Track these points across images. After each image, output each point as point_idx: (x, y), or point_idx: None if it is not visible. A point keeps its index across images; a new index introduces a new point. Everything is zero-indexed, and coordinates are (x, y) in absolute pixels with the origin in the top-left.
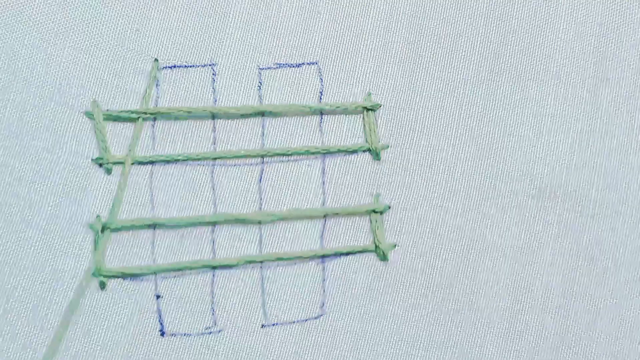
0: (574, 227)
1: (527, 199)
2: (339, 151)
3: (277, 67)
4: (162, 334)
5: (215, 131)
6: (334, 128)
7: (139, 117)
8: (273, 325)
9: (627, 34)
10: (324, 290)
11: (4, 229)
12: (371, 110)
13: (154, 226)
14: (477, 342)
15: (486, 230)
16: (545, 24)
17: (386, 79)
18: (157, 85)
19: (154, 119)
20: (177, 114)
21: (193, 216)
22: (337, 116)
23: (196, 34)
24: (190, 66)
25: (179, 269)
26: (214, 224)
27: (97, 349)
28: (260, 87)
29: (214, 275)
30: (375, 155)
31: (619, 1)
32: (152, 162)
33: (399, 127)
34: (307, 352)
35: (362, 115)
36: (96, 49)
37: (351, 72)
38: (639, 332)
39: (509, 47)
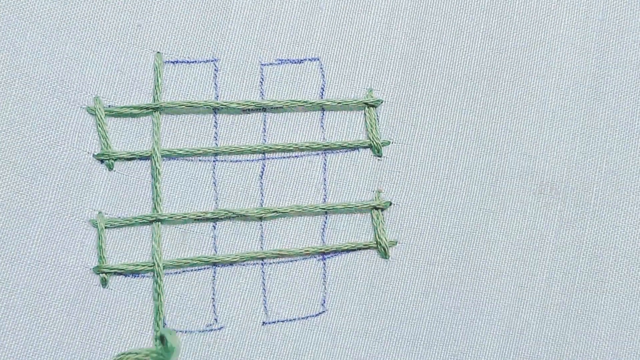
0: (575, 223)
1: (528, 195)
2: (340, 147)
3: (278, 63)
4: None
5: (217, 127)
6: (336, 124)
7: (155, 111)
8: (274, 322)
9: (628, 30)
10: (324, 287)
11: (6, 225)
12: (372, 106)
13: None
14: (478, 339)
15: (487, 227)
16: (546, 20)
17: (388, 75)
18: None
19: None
20: (179, 109)
21: (194, 212)
22: (338, 112)
23: (198, 30)
24: (193, 62)
25: (180, 266)
26: (215, 220)
27: (98, 345)
28: (262, 82)
29: (215, 272)
30: (377, 151)
31: None
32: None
33: (400, 124)
34: (307, 350)
35: (363, 111)
36: (98, 44)
37: (353, 68)
38: (639, 329)
39: (510, 43)
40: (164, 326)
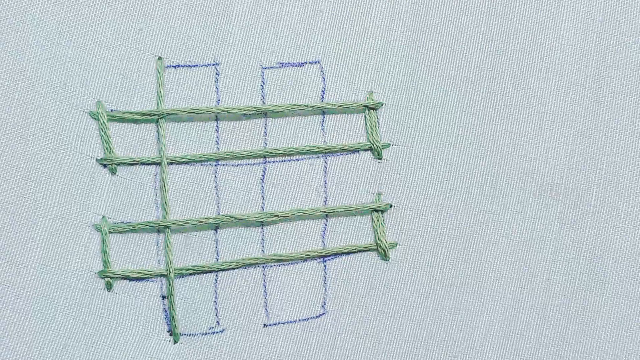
0: (575, 225)
1: (528, 197)
2: (341, 150)
3: (279, 67)
4: (170, 333)
5: (218, 131)
6: (336, 127)
7: (159, 118)
8: (275, 324)
9: (628, 32)
10: (325, 290)
11: (10, 230)
12: (373, 109)
13: (159, 228)
14: (478, 340)
15: (487, 229)
16: (546, 22)
17: (388, 77)
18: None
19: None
20: (181, 115)
21: (196, 218)
22: (339, 115)
23: (199, 34)
24: (194, 66)
25: (183, 273)
26: (217, 225)
27: (104, 349)
28: (263, 86)
29: (217, 275)
30: (377, 154)
31: None
32: (156, 163)
33: (400, 126)
34: (308, 351)
35: (364, 114)
36: (100, 49)
37: (353, 71)
38: (639, 330)
39: (510, 45)
40: (168, 329)
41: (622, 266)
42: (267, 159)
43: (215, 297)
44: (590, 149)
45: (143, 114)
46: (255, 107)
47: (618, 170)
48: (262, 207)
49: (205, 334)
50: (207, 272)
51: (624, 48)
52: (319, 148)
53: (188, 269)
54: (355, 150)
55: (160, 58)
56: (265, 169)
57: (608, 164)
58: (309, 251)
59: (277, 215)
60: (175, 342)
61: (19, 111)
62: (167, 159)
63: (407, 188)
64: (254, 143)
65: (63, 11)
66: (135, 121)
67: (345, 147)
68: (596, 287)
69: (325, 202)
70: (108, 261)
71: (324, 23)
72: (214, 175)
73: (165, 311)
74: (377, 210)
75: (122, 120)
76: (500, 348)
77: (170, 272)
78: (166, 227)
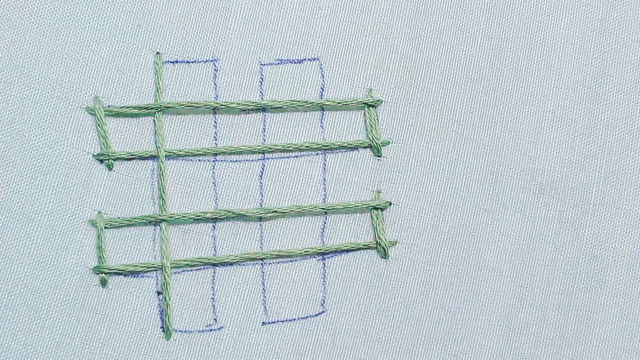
0: (574, 223)
1: (527, 195)
2: (340, 147)
3: (278, 63)
4: (164, 330)
5: (216, 127)
6: (335, 124)
7: (156, 112)
8: (273, 322)
9: (628, 31)
10: (324, 288)
11: (5, 225)
12: (372, 106)
13: (155, 222)
14: (478, 339)
15: (487, 227)
16: (546, 20)
17: (387, 75)
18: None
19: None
20: (179, 109)
21: (194, 212)
22: (338, 112)
23: (198, 30)
24: (192, 62)
25: (180, 267)
26: (215, 220)
27: (98, 346)
28: (261, 82)
29: (214, 272)
30: (376, 151)
31: None
32: (153, 157)
33: (400, 124)
34: (307, 350)
35: (363, 111)
36: (98, 44)
37: (352, 68)
38: (638, 329)
39: (510, 43)
40: (162, 325)
41: (621, 265)
42: (265, 155)
43: (213, 294)
44: (590, 147)
45: (140, 108)
46: (253, 102)
47: (617, 168)
48: (260, 204)
49: (202, 331)
50: (203, 264)
51: (624, 46)
52: (318, 145)
53: (185, 261)
54: (355, 148)
55: (158, 53)
56: (264, 165)
57: (607, 163)
58: (308, 248)
59: (276, 211)
60: (167, 339)
61: (15, 107)
62: (165, 151)
63: (407, 186)
64: (252, 139)
65: (60, 7)
66: (132, 116)
67: (345, 144)
68: (595, 285)
69: (324, 199)
70: (103, 257)
71: (323, 20)
72: (212, 171)
73: (161, 307)
74: (376, 208)
75: (119, 115)
76: (500, 347)
77: (165, 263)
78: (163, 220)
